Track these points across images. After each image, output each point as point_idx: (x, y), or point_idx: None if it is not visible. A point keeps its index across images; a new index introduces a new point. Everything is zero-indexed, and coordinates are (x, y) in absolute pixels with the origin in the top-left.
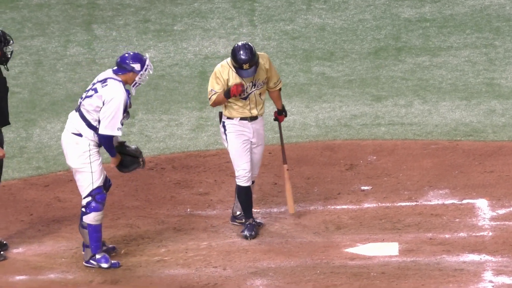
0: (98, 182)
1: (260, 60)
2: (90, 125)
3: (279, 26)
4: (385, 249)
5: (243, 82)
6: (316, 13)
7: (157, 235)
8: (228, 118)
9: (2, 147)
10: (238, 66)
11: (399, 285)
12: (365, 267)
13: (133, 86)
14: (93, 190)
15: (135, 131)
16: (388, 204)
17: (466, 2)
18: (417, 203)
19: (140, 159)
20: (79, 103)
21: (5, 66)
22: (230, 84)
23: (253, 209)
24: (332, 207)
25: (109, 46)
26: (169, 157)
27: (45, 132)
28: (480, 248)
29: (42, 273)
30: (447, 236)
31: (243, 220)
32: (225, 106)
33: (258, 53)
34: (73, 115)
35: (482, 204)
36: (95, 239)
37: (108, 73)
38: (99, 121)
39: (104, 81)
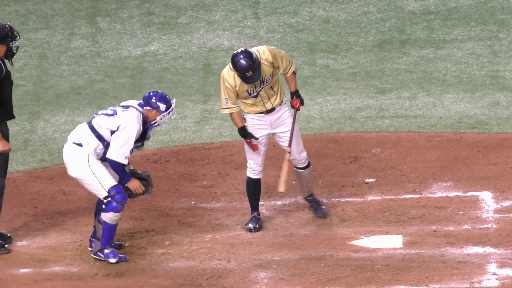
0: (108, 181)
1: (263, 56)
2: (99, 136)
3: (283, 18)
4: (389, 242)
5: (257, 145)
6: (320, 5)
7: (161, 228)
8: (246, 113)
9: (8, 141)
10: (241, 74)
11: (403, 277)
12: (369, 260)
13: (152, 124)
14: (110, 190)
15: None
16: (392, 197)
17: None
18: (421, 195)
19: (151, 182)
20: (92, 117)
21: (10, 60)
22: (237, 89)
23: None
24: (336, 199)
25: (113, 39)
26: (174, 150)
27: (50, 125)
28: (484, 241)
29: (46, 266)
30: (451, 228)
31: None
32: (241, 102)
33: (256, 49)
34: (81, 126)
35: (486, 196)
36: (107, 236)
37: (134, 103)
38: (108, 143)
39: (126, 107)
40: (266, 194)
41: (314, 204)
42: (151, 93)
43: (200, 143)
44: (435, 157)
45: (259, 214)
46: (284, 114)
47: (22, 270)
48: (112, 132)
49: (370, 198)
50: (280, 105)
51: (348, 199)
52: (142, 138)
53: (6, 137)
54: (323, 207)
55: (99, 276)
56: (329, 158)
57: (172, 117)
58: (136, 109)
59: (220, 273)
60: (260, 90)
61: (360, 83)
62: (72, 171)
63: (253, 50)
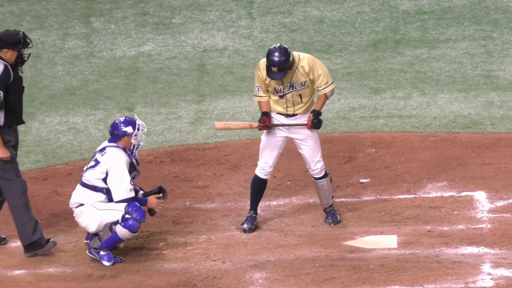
0: (119, 205)
1: (301, 63)
2: (94, 188)
3: (277, 18)
4: (384, 242)
5: (263, 126)
6: (314, 5)
7: (156, 229)
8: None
9: (17, 146)
10: (268, 66)
11: (398, 277)
12: (364, 260)
13: (134, 150)
14: (126, 210)
15: None
16: (386, 197)
17: None
18: (416, 195)
19: (165, 189)
20: (81, 176)
21: (20, 67)
22: (266, 82)
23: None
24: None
25: (108, 39)
26: (168, 150)
27: (44, 125)
28: (478, 241)
29: (41, 267)
30: (445, 228)
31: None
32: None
33: (301, 55)
34: (75, 190)
35: (480, 196)
36: (109, 244)
37: (106, 143)
38: (108, 189)
39: (102, 150)
40: None
41: (329, 215)
42: (112, 127)
43: (194, 144)
44: (430, 157)
45: (256, 214)
46: (305, 122)
47: (17, 271)
48: (104, 179)
49: (365, 198)
50: (304, 114)
51: (342, 199)
52: (133, 167)
53: (15, 143)
54: (338, 217)
55: (94, 277)
56: (323, 158)
57: (145, 130)
58: (112, 146)
59: (215, 273)
60: (287, 93)
61: (354, 83)
62: (91, 228)
63: (295, 53)
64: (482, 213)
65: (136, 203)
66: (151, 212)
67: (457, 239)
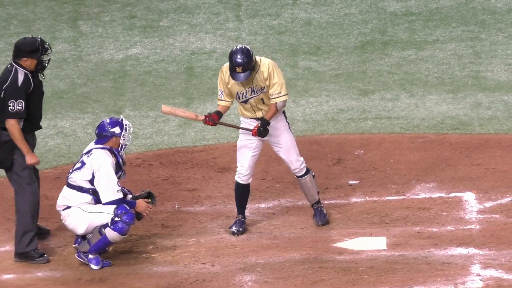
0: (108, 208)
1: (261, 68)
2: (80, 189)
3: (265, 21)
4: (373, 244)
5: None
6: (302, 7)
7: (145, 232)
8: (241, 115)
9: (33, 150)
10: (231, 68)
11: (387, 279)
12: (353, 262)
13: (121, 150)
14: (115, 211)
15: None
16: (375, 198)
17: None
18: (405, 197)
19: (153, 194)
20: (67, 178)
21: (42, 74)
22: (229, 86)
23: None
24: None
25: (95, 43)
26: (157, 153)
27: None
28: (467, 242)
29: (29, 272)
30: (434, 229)
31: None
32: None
33: (262, 60)
34: (63, 191)
35: (469, 197)
36: (99, 247)
37: (93, 145)
38: (94, 190)
39: (88, 152)
40: (249, 197)
41: (317, 213)
42: (98, 128)
43: (183, 147)
44: (418, 158)
45: (244, 218)
46: (278, 124)
47: (5, 276)
48: (91, 181)
49: (354, 200)
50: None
51: (331, 201)
52: (119, 167)
53: (32, 148)
54: (325, 216)
55: (83, 281)
56: (312, 160)
57: (131, 130)
58: (98, 148)
59: (204, 276)
60: (250, 98)
61: (342, 84)
62: (79, 231)
63: (256, 57)
64: (471, 214)
65: (125, 205)
66: (138, 216)
67: (446, 240)
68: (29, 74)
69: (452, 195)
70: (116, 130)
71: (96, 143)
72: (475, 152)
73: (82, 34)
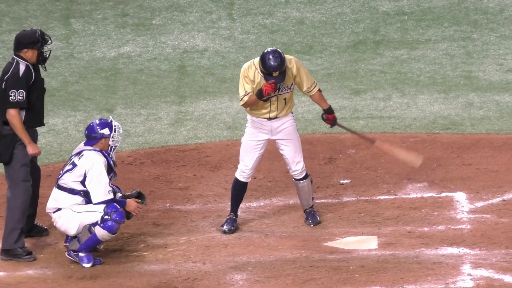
0: (98, 207)
1: (288, 65)
2: (71, 191)
3: (257, 19)
4: (364, 243)
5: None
6: (294, 6)
7: (136, 230)
8: (249, 114)
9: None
10: (267, 73)
11: (378, 278)
12: (344, 261)
13: (111, 151)
14: (105, 210)
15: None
16: (367, 198)
17: None
18: (396, 196)
19: (143, 194)
20: (57, 179)
21: (43, 66)
22: (255, 86)
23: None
24: None
25: (87, 41)
26: (148, 151)
27: None
28: (458, 241)
29: (20, 269)
30: (425, 229)
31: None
32: None
33: (287, 56)
34: (53, 193)
35: (460, 197)
36: (89, 245)
37: (81, 146)
38: (85, 191)
39: (79, 153)
40: None
41: (309, 216)
42: (88, 130)
43: (175, 145)
44: None
45: (236, 216)
46: (287, 123)
47: None
48: (82, 182)
49: (345, 199)
50: (285, 116)
51: (323, 200)
52: (110, 168)
53: (35, 142)
54: (317, 219)
55: (74, 279)
56: (304, 159)
57: (121, 131)
58: (89, 149)
59: (196, 275)
60: (273, 96)
61: (334, 84)
62: (71, 232)
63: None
64: (462, 213)
65: (115, 204)
66: (128, 215)
67: (437, 239)
68: (30, 66)
69: (443, 194)
70: (106, 131)
71: (85, 144)
72: (467, 152)
73: (74, 32)
